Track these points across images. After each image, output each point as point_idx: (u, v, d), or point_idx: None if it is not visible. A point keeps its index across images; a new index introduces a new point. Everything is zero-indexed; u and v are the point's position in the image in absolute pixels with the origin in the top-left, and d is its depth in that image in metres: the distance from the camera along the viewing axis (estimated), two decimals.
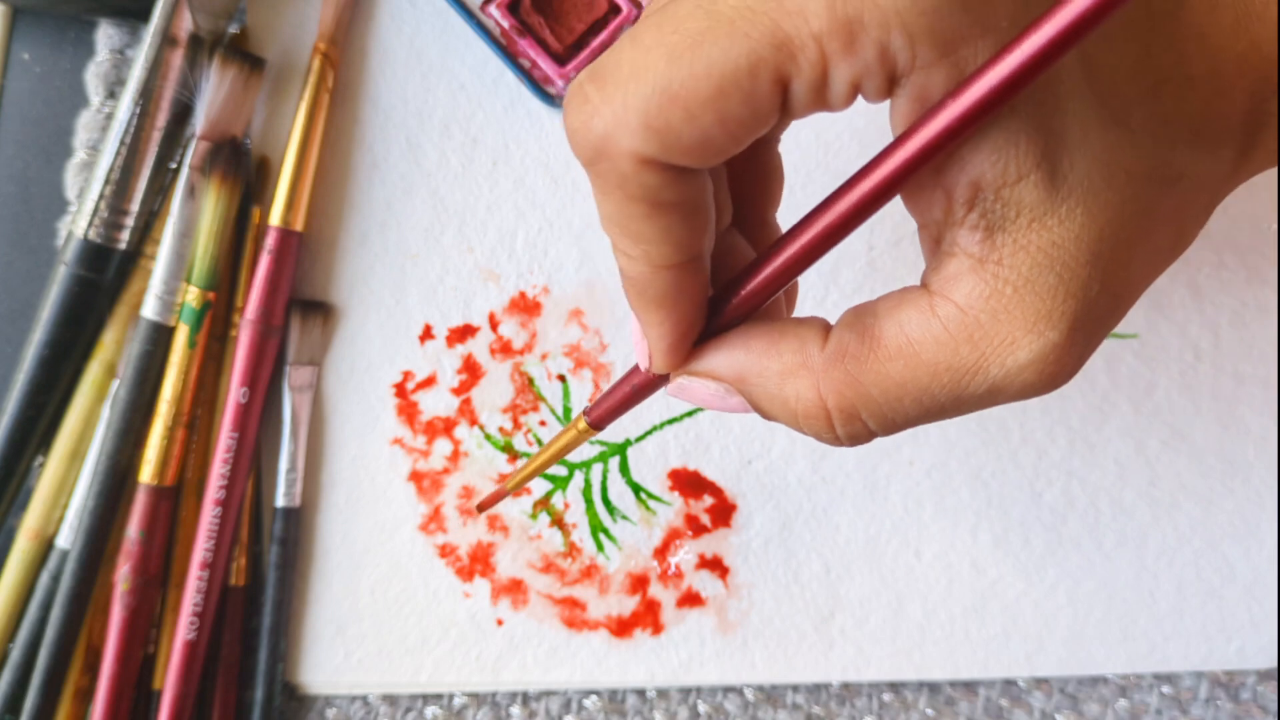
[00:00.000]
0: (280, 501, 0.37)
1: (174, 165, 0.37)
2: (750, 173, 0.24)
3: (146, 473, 0.36)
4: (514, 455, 0.39)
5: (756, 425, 0.39)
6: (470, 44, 0.38)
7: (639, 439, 0.39)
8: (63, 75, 0.38)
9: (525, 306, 0.39)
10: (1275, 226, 0.40)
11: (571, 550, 0.39)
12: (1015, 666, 0.39)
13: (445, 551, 0.38)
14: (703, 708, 0.39)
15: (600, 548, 0.39)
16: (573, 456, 0.39)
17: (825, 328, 0.21)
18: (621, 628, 0.39)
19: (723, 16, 0.17)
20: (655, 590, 0.39)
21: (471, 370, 0.38)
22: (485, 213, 0.38)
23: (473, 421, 0.39)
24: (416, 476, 0.38)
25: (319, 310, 0.38)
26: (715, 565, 0.39)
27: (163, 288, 0.36)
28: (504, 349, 0.39)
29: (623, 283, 0.21)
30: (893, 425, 0.20)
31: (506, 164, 0.38)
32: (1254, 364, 0.40)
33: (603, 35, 0.37)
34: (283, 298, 0.37)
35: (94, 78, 0.38)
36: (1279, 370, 0.40)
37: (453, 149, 0.38)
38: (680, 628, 0.39)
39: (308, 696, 0.39)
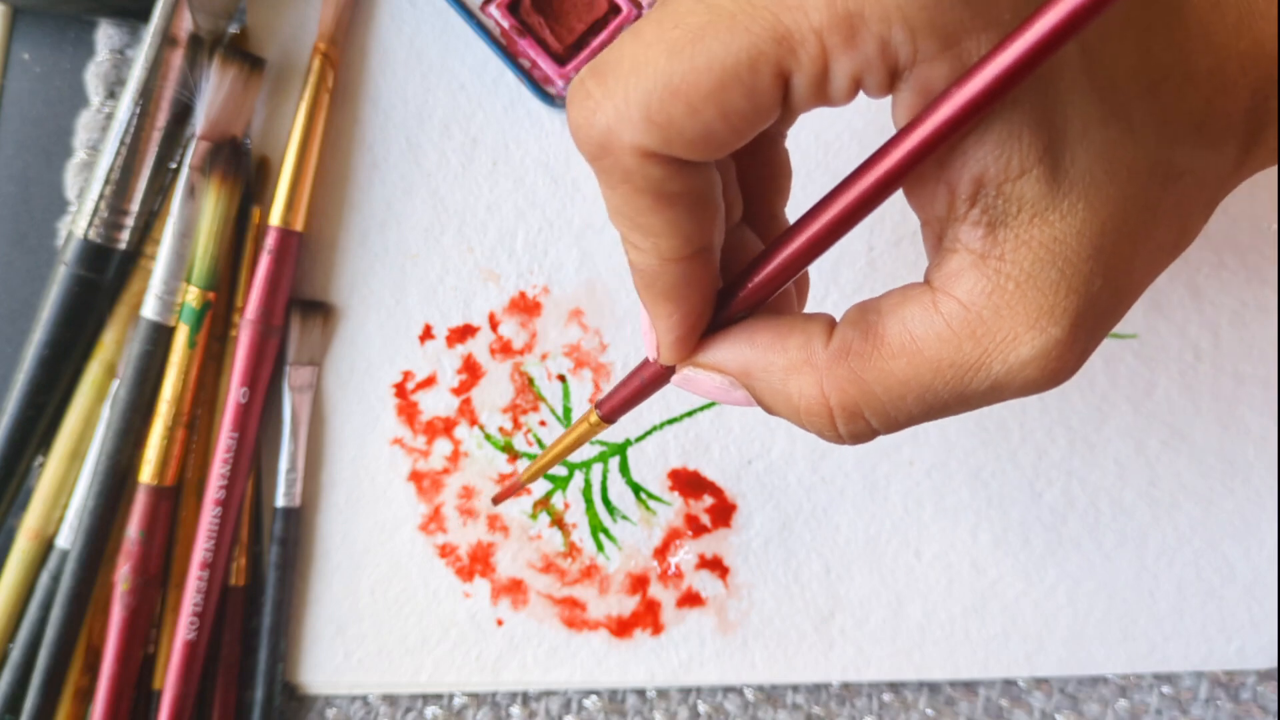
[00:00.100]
0: (280, 501, 0.37)
1: (174, 165, 0.37)
2: (759, 168, 0.24)
3: (146, 473, 0.36)
4: (514, 455, 0.39)
5: (757, 425, 0.39)
6: (470, 44, 0.38)
7: (639, 439, 0.39)
8: (63, 75, 0.38)
9: (525, 306, 0.39)
10: (1275, 226, 0.40)
11: (571, 550, 0.39)
12: (1015, 666, 0.39)
13: (445, 551, 0.38)
14: (703, 708, 0.39)
15: (600, 548, 0.39)
16: (572, 456, 0.39)
17: (830, 324, 0.21)
18: (621, 628, 0.39)
19: (723, 11, 0.17)
20: (655, 590, 0.39)
21: (471, 370, 0.38)
22: (485, 213, 0.38)
23: (473, 421, 0.39)
24: (416, 476, 0.38)
25: (319, 310, 0.38)
26: (715, 565, 0.39)
27: (163, 288, 0.36)
28: (504, 349, 0.39)
29: (632, 275, 0.21)
30: (895, 423, 0.20)
31: (506, 164, 0.38)
32: (1254, 364, 0.40)
33: (603, 35, 0.37)
34: (283, 298, 0.37)
35: (94, 78, 0.38)
36: (1279, 370, 0.40)
37: (453, 149, 0.38)
38: (680, 628, 0.39)
39: (308, 696, 0.39)
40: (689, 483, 0.39)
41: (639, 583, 0.39)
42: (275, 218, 0.36)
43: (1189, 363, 0.40)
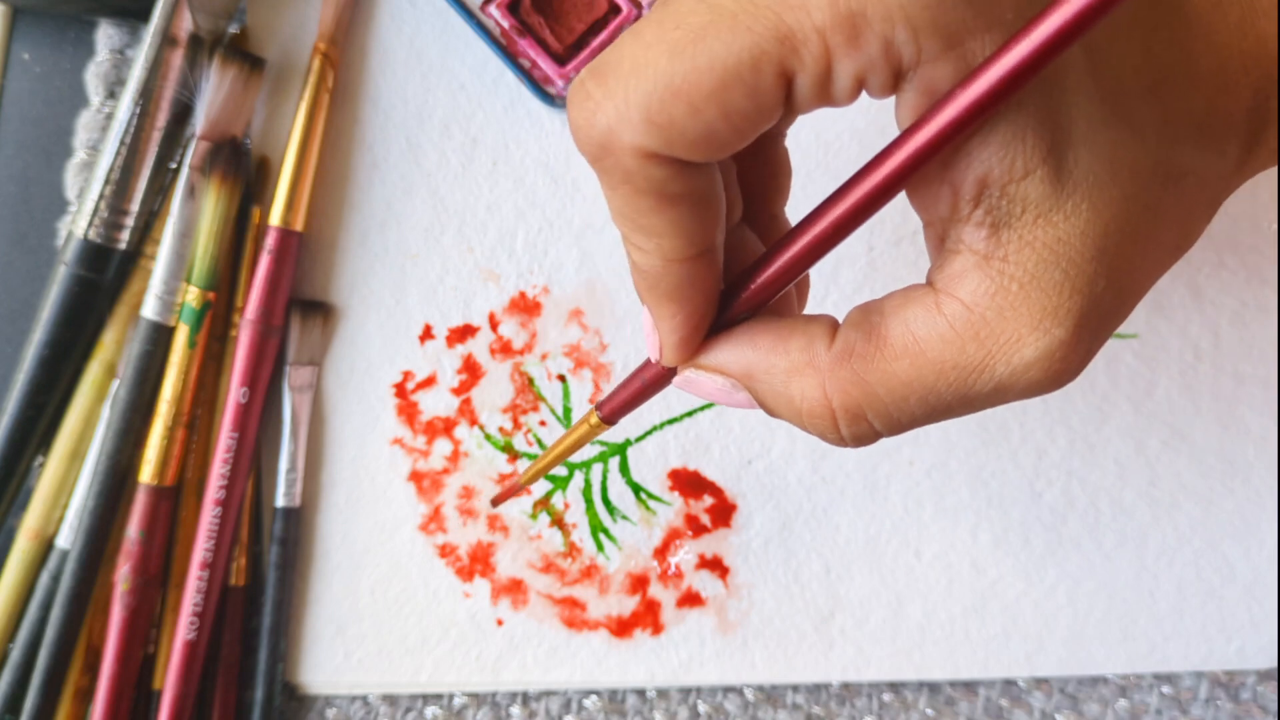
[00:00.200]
0: (280, 501, 0.37)
1: (174, 165, 0.37)
2: (758, 168, 0.24)
3: (146, 473, 0.36)
4: (514, 455, 0.39)
5: (757, 425, 0.39)
6: (470, 44, 0.38)
7: (639, 439, 0.39)
8: (63, 75, 0.38)
9: (525, 306, 0.39)
10: (1275, 226, 0.40)
11: (571, 550, 0.39)
12: (1015, 666, 0.39)
13: (445, 551, 0.38)
14: (703, 708, 0.39)
15: (600, 548, 0.39)
16: (573, 456, 0.39)
17: (833, 326, 0.21)
18: (621, 628, 0.39)
19: (725, 11, 0.17)
20: (655, 590, 0.39)
21: (471, 370, 0.38)
22: (485, 213, 0.38)
23: (473, 421, 0.39)
24: (416, 476, 0.38)
25: (319, 310, 0.38)
26: (715, 565, 0.39)
27: (163, 288, 0.36)
28: (504, 349, 0.39)
29: (634, 276, 0.21)
30: (898, 425, 0.20)
31: (506, 164, 0.38)
32: (1254, 364, 0.40)
33: (603, 35, 0.37)
34: (283, 298, 0.37)
35: (94, 78, 0.38)
36: (1279, 370, 0.40)
37: (453, 149, 0.38)
38: (680, 628, 0.39)
39: (308, 696, 0.39)
40: (689, 483, 0.39)
41: (639, 583, 0.39)
42: (275, 218, 0.36)
43: (1189, 363, 0.40)
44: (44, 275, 0.37)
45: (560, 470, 0.39)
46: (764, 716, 0.39)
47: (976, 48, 0.17)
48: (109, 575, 0.36)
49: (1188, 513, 0.40)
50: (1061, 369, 0.19)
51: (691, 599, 0.39)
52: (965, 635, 0.39)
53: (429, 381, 0.38)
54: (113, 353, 0.36)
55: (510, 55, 0.37)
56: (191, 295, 0.36)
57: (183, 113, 0.36)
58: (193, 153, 0.36)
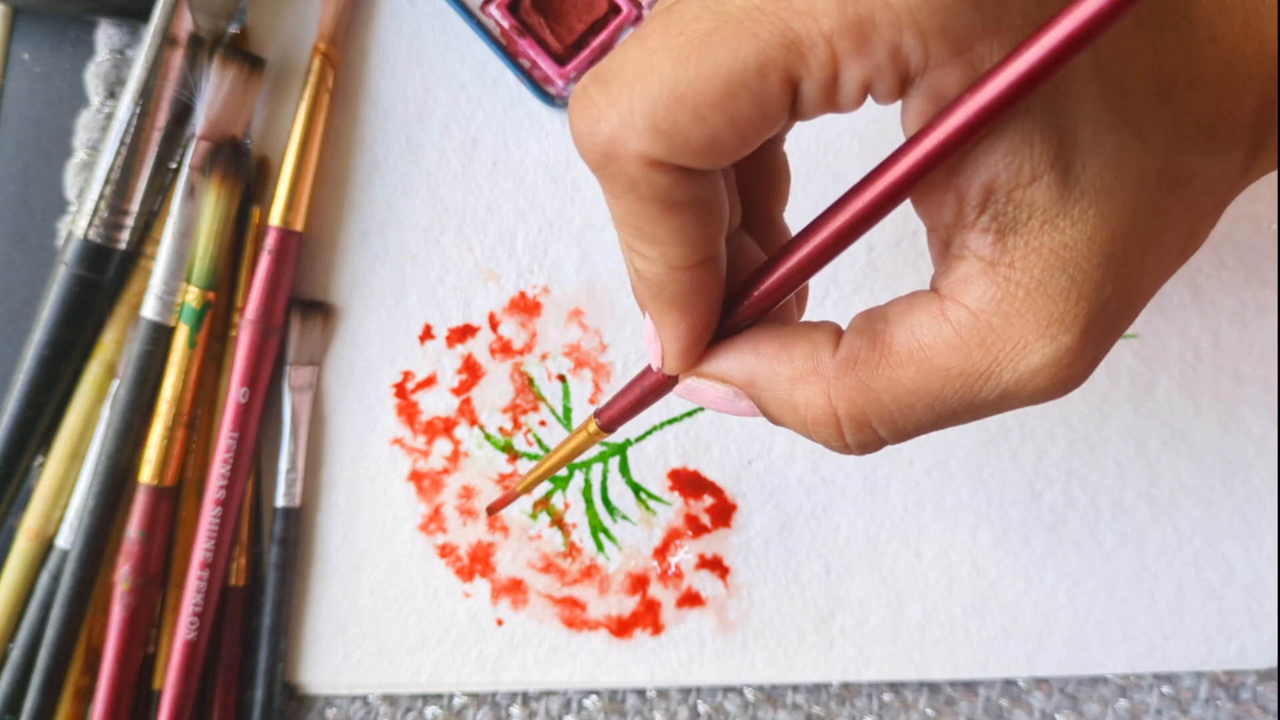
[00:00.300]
0: (280, 501, 0.37)
1: (174, 165, 0.37)
2: (757, 173, 0.24)
3: (146, 473, 0.36)
4: (514, 455, 0.39)
5: (757, 425, 0.39)
6: (470, 44, 0.38)
7: (639, 439, 0.39)
8: (63, 75, 0.38)
9: (525, 306, 0.39)
10: (1275, 226, 0.40)
11: (571, 550, 0.39)
12: (1015, 666, 0.39)
13: (445, 551, 0.38)
14: (703, 708, 0.39)
15: (600, 548, 0.39)
16: None
17: (837, 333, 0.20)
18: (621, 628, 0.39)
19: (730, 17, 0.17)
20: (655, 590, 0.39)
21: (471, 370, 0.38)
22: (485, 213, 0.38)
23: (473, 421, 0.39)
24: (416, 476, 0.38)
25: (319, 310, 0.38)
26: (715, 565, 0.39)
27: (163, 288, 0.36)
28: (504, 349, 0.39)
29: (637, 284, 0.21)
30: (904, 433, 0.20)
31: (506, 164, 0.38)
32: (1254, 364, 0.40)
33: (603, 35, 0.37)
34: (283, 298, 0.37)
35: (94, 78, 0.38)
36: (1279, 370, 0.40)
37: (453, 149, 0.38)
38: (680, 628, 0.39)
39: (308, 696, 0.39)
40: (689, 483, 0.39)
41: (639, 583, 0.39)
42: (275, 218, 0.36)
43: (1189, 363, 0.40)
44: (44, 275, 0.37)
45: (560, 470, 0.39)
46: (764, 716, 0.39)
47: (984, 53, 0.16)
48: (109, 575, 0.36)
49: (1188, 513, 0.40)
50: (1068, 375, 0.19)
51: (691, 599, 0.39)
52: (965, 635, 0.39)
53: (429, 381, 0.38)
54: (113, 353, 0.36)
55: (510, 55, 0.37)
56: (191, 295, 0.36)
57: (183, 113, 0.36)
58: (193, 153, 0.36)
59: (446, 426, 0.38)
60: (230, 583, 0.37)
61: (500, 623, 0.38)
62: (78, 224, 0.35)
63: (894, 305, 0.20)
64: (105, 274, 0.36)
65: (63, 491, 0.36)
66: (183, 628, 0.36)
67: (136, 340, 0.36)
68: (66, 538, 0.36)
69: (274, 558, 0.37)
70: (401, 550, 0.38)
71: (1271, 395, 0.40)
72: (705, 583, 0.39)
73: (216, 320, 0.37)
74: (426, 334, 0.38)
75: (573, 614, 0.39)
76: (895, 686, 0.40)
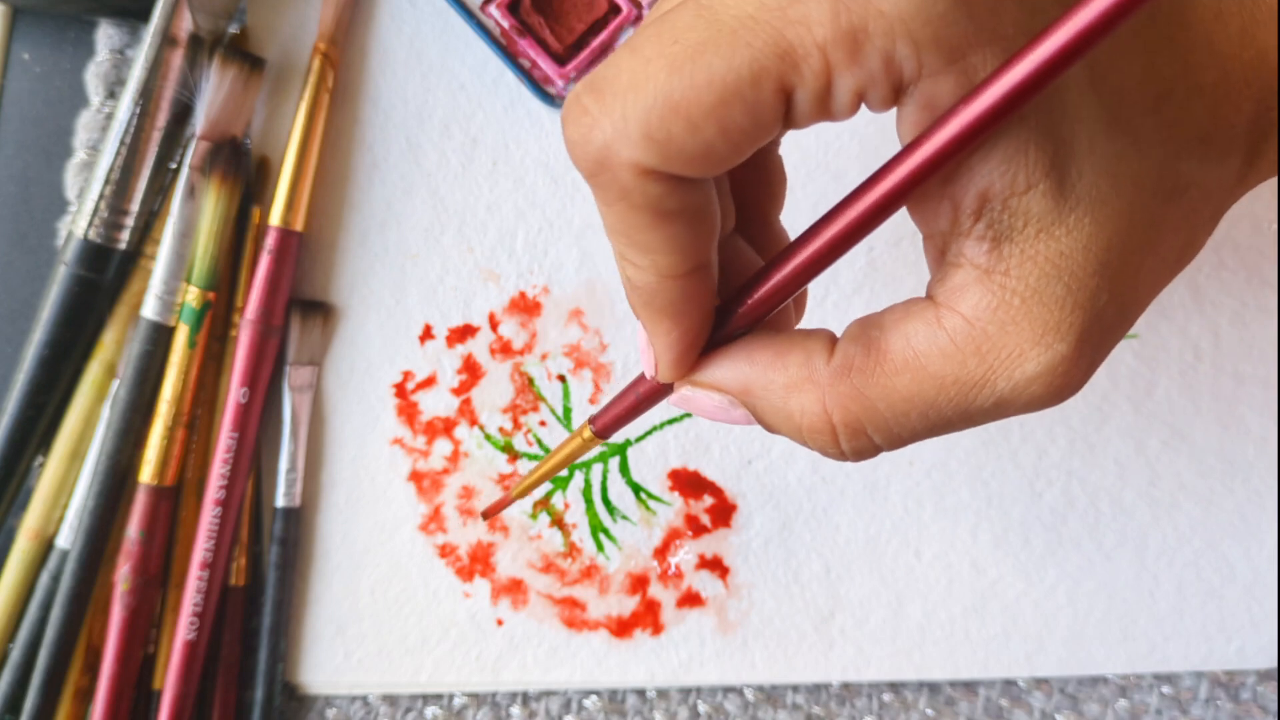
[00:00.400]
0: (280, 501, 0.37)
1: (174, 165, 0.37)
2: (752, 177, 0.24)
3: (146, 473, 0.36)
4: (514, 455, 0.39)
5: (756, 426, 0.39)
6: (470, 44, 0.38)
7: (639, 439, 0.39)
8: (63, 75, 0.38)
9: (525, 306, 0.39)
10: (1275, 226, 0.40)
11: (571, 550, 0.39)
12: (1015, 666, 0.39)
13: (445, 551, 0.38)
14: (703, 708, 0.39)
15: (600, 548, 0.39)
16: None
17: (831, 340, 0.20)
18: (621, 628, 0.39)
19: (724, 26, 0.17)
20: (655, 590, 0.39)
21: (471, 370, 0.38)
22: (485, 213, 0.38)
23: (473, 421, 0.39)
24: (416, 476, 0.38)
25: (319, 310, 0.38)
26: (715, 565, 0.39)
27: (163, 288, 0.36)
28: (504, 349, 0.39)
29: (628, 293, 0.21)
30: (899, 440, 0.20)
31: (506, 164, 0.38)
32: (1254, 364, 0.40)
33: (603, 35, 0.37)
34: (283, 298, 0.37)
35: (94, 78, 0.38)
36: (1279, 370, 0.40)
37: (453, 149, 0.38)
38: (680, 628, 0.39)
39: (308, 696, 0.39)
40: (689, 483, 0.39)
41: (639, 583, 0.39)
42: (275, 218, 0.36)
43: (1189, 363, 0.40)
44: (44, 275, 0.37)
45: (560, 470, 0.39)
46: (764, 716, 0.39)
47: (977, 62, 0.16)
48: (109, 575, 0.36)
49: (1188, 513, 0.40)
50: (1064, 384, 0.19)
51: (691, 599, 0.39)
52: (965, 635, 0.39)
53: (429, 381, 0.38)
54: (113, 353, 0.36)
55: (510, 55, 0.37)
56: (191, 295, 0.36)
57: (183, 113, 0.36)
58: (193, 153, 0.36)
59: (446, 426, 0.38)
60: (230, 583, 0.37)
61: (500, 623, 0.38)
62: (78, 224, 0.35)
63: (889, 312, 0.20)
64: (105, 274, 0.36)
65: (63, 491, 0.36)
66: (183, 628, 0.36)
67: (136, 340, 0.36)
68: (66, 538, 0.36)
69: (274, 558, 0.37)
70: (401, 550, 0.38)
71: (1271, 395, 0.40)
72: (705, 583, 0.39)
73: (216, 320, 0.37)
74: (426, 334, 0.38)
75: (573, 614, 0.39)
76: (895, 686, 0.40)
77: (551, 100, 0.37)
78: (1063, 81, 0.17)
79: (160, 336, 0.36)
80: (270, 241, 0.36)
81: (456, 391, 0.38)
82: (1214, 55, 0.19)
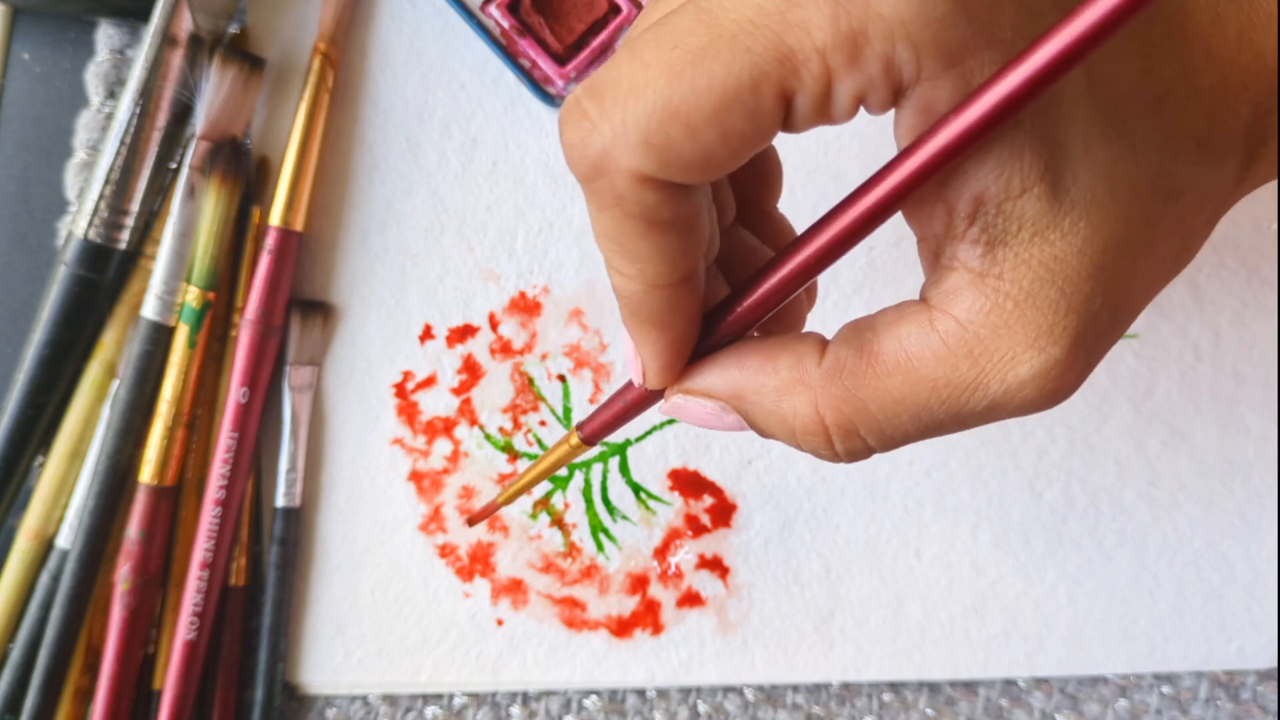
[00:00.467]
0: (280, 501, 0.37)
1: (174, 165, 0.37)
2: (749, 169, 0.24)
3: (146, 473, 0.36)
4: (514, 455, 0.39)
5: None
6: (470, 44, 0.38)
7: (639, 439, 0.39)
8: (63, 75, 0.38)
9: (525, 306, 0.39)
10: (1275, 226, 0.40)
11: (571, 550, 0.39)
12: (1015, 666, 0.39)
13: (445, 551, 0.38)
14: (703, 708, 0.39)
15: (600, 548, 0.39)
16: None
17: (821, 343, 0.20)
18: (621, 628, 0.39)
19: (724, 31, 0.16)
20: (655, 590, 0.39)
21: (471, 370, 0.38)
22: (485, 213, 0.38)
23: (473, 421, 0.39)
24: (416, 476, 0.38)
25: (319, 310, 0.38)
26: (715, 565, 0.39)
27: (163, 288, 0.36)
28: (504, 349, 0.39)
29: (617, 301, 0.21)
30: (891, 441, 0.20)
31: (506, 164, 0.38)
32: (1254, 364, 0.40)
33: (603, 35, 0.37)
34: (283, 298, 0.37)
35: (94, 78, 0.38)
36: (1279, 370, 0.40)
37: (453, 149, 0.38)
38: (680, 628, 0.39)
39: (308, 696, 0.39)
40: (689, 483, 0.39)
41: (639, 583, 0.39)
42: (275, 218, 0.36)
43: (1189, 363, 0.40)
44: (44, 275, 0.37)
45: (560, 470, 0.39)
46: (764, 716, 0.39)
47: (975, 66, 0.16)
48: (109, 575, 0.36)
49: (1188, 513, 0.40)
50: (1056, 387, 0.19)
51: (691, 599, 0.39)
52: (965, 635, 0.39)
53: (429, 381, 0.38)
54: (113, 353, 0.36)
55: (510, 55, 0.37)
56: (191, 295, 0.36)
57: (183, 113, 0.36)
58: (193, 153, 0.36)
59: (446, 426, 0.38)
60: (230, 583, 0.37)
61: (500, 623, 0.38)
62: (78, 224, 0.35)
63: (882, 315, 0.20)
64: (105, 274, 0.36)
65: (63, 491, 0.36)
66: (183, 628, 0.36)
67: (136, 340, 0.36)
68: (66, 538, 0.36)
69: (274, 558, 0.37)
70: (401, 550, 0.38)
71: (1271, 395, 0.40)
72: (705, 583, 0.39)
73: (216, 320, 0.37)
74: (426, 334, 0.38)
75: (573, 614, 0.39)
76: (895, 686, 0.40)
77: (551, 100, 0.37)
78: (1058, 85, 0.17)
79: (160, 336, 0.36)
80: (270, 241, 0.36)
81: (456, 391, 0.38)
82: (1211, 59, 0.19)
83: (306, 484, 0.38)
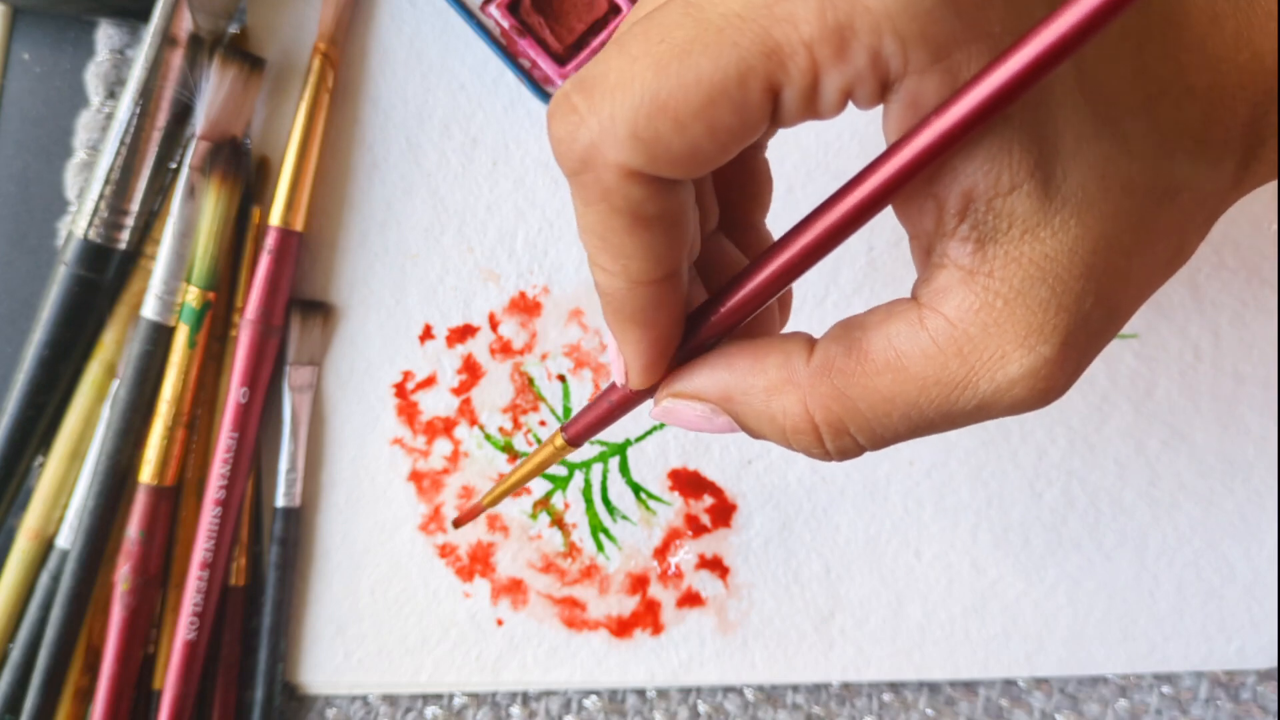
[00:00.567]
0: (280, 501, 0.37)
1: (174, 165, 0.37)
2: (737, 178, 0.24)
3: (146, 473, 0.36)
4: (514, 455, 0.39)
5: None
6: (470, 44, 0.38)
7: (639, 439, 0.39)
8: (63, 75, 0.38)
9: (525, 306, 0.39)
10: (1275, 226, 0.40)
11: (571, 550, 0.39)
12: (1015, 666, 0.39)
13: (445, 551, 0.38)
14: (703, 708, 0.39)
15: (600, 548, 0.39)
16: (573, 456, 0.39)
17: (809, 342, 0.20)
18: (621, 628, 0.39)
19: (711, 25, 0.16)
20: (655, 590, 0.39)
21: (471, 370, 0.38)
22: (485, 213, 0.38)
23: (473, 421, 0.39)
24: (416, 476, 0.38)
25: (319, 310, 0.38)
26: (715, 565, 0.39)
27: (163, 288, 0.36)
28: (504, 349, 0.39)
29: (600, 299, 0.21)
30: (881, 440, 0.20)
31: (506, 164, 0.38)
32: (1254, 364, 0.40)
33: (603, 35, 0.37)
34: (283, 298, 0.37)
35: (94, 78, 0.38)
36: (1279, 370, 0.40)
37: (453, 149, 0.38)
38: (680, 628, 0.39)
39: (308, 696, 0.39)
40: (689, 482, 0.39)
41: (639, 583, 0.39)
42: (275, 218, 0.36)
43: (1189, 363, 0.40)
44: (44, 275, 0.37)
45: (560, 470, 0.39)
46: (764, 716, 0.39)
47: (963, 60, 0.16)
48: (109, 575, 0.36)
49: (1188, 513, 0.40)
50: (1047, 387, 0.18)
51: (691, 599, 0.39)
52: (965, 635, 0.39)
53: (429, 381, 0.38)
54: (113, 353, 0.36)
55: (510, 55, 0.37)
56: (191, 295, 0.36)
57: (183, 113, 0.36)
58: (193, 153, 0.36)
59: (446, 426, 0.38)
60: (230, 583, 0.37)
61: (500, 623, 0.38)
62: (78, 224, 0.35)
63: (872, 314, 0.20)
64: (105, 274, 0.36)
65: (63, 491, 0.36)
66: (183, 628, 0.36)
67: (136, 340, 0.36)
68: (66, 538, 0.36)
69: (274, 558, 0.37)
70: (401, 550, 0.38)
71: (1271, 395, 0.40)
72: (705, 583, 0.39)
73: (216, 320, 0.37)
74: (426, 334, 0.38)
75: (573, 614, 0.39)
76: (895, 686, 0.40)
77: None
78: (1049, 81, 0.17)
79: (160, 336, 0.36)
80: (270, 241, 0.36)
81: (456, 391, 0.38)
82: (1207, 57, 0.19)
83: (306, 484, 0.38)
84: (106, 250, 0.35)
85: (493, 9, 0.37)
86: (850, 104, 0.18)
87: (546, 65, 0.37)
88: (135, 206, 0.36)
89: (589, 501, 0.39)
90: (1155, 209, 0.19)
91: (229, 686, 0.38)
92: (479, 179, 0.38)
